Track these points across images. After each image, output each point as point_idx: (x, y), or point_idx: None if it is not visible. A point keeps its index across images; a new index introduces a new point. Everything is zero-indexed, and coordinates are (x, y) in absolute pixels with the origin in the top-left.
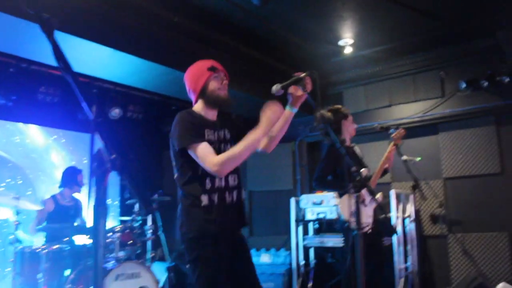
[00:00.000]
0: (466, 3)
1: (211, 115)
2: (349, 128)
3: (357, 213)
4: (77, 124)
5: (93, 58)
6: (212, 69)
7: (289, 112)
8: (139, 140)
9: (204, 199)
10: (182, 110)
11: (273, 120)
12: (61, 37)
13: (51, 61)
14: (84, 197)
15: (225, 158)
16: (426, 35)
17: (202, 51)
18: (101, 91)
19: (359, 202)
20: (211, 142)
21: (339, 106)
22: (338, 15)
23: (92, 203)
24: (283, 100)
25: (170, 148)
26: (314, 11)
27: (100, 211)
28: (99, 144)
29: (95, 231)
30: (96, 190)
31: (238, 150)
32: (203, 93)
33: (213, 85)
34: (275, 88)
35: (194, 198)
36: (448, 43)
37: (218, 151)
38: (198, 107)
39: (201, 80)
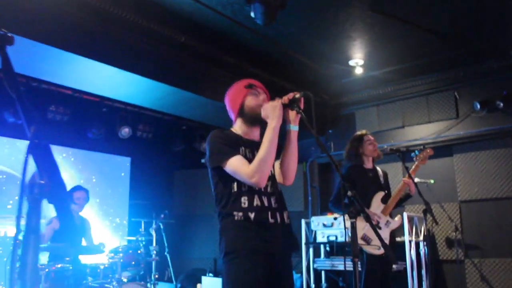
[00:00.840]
0: (479, 23)
1: (253, 134)
2: (365, 151)
3: (353, 240)
4: (86, 142)
5: (103, 78)
6: (249, 86)
7: (291, 130)
8: (148, 160)
9: (238, 215)
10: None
11: (275, 110)
12: (71, 58)
13: (61, 80)
14: (94, 217)
15: (256, 164)
16: (438, 55)
17: (210, 71)
18: (111, 110)
19: (355, 226)
20: (248, 160)
21: (357, 133)
22: (347, 35)
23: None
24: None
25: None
26: (323, 32)
27: (31, 241)
28: (33, 168)
29: (23, 265)
30: (27, 218)
31: (263, 150)
32: (241, 111)
33: (250, 101)
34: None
35: (228, 214)
36: (461, 63)
37: None
38: (236, 126)
39: (238, 98)
